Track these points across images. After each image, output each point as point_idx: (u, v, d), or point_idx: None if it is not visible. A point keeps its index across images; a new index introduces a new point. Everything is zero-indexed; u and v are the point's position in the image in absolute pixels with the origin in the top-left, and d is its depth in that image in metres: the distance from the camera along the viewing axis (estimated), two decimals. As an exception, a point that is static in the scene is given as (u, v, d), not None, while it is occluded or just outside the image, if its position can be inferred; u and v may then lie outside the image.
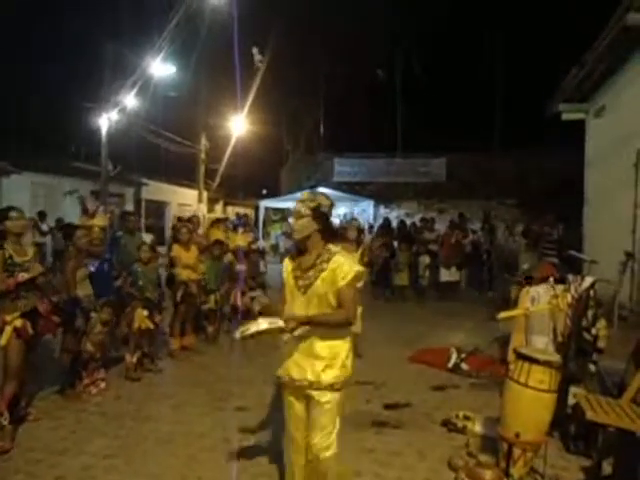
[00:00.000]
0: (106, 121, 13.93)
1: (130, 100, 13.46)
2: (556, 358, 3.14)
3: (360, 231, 6.38)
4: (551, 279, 4.64)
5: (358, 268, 2.65)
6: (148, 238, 6.95)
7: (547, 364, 3.00)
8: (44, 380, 4.61)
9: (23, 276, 3.55)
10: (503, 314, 4.31)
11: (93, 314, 4.57)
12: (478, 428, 3.89)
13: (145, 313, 5.12)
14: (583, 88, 8.82)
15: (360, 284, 2.77)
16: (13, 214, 3.61)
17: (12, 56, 17.23)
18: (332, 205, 2.65)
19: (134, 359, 5.07)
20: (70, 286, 4.33)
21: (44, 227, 11.33)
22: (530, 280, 5.12)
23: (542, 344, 4.24)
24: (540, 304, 4.47)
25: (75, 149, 17.08)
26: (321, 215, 2.57)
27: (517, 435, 2.99)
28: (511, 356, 4.54)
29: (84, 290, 4.48)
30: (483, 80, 19.57)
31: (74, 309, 4.33)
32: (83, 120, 14.59)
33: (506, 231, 10.88)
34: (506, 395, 3.15)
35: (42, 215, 11.59)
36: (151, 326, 5.17)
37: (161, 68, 13.32)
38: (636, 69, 7.79)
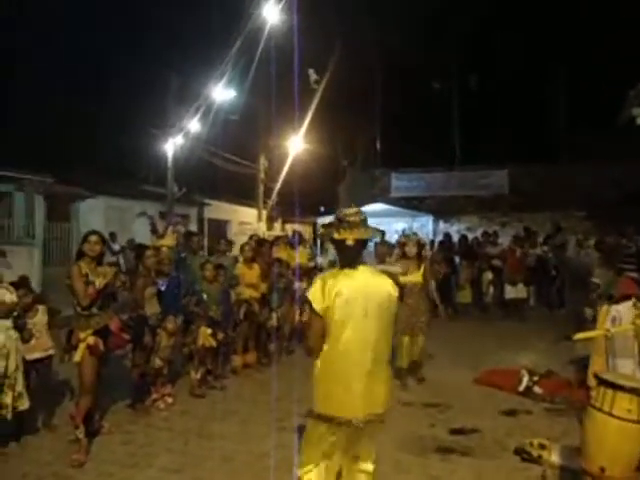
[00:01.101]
0: (172, 146, 14.67)
1: (193, 125, 14.10)
2: (645, 385, 2.85)
3: (421, 246, 6.19)
4: (634, 297, 4.30)
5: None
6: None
7: (634, 391, 2.73)
8: (117, 394, 4.81)
9: (100, 282, 3.72)
10: (580, 335, 3.99)
11: (160, 330, 4.74)
12: (555, 458, 3.61)
13: (209, 331, 5.24)
14: (660, 90, 8.19)
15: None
16: (92, 238, 3.83)
17: (86, 87, 18.72)
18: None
19: (198, 376, 5.19)
20: (139, 304, 4.53)
21: (115, 247, 12.01)
22: (610, 298, 4.76)
23: (627, 368, 3.90)
24: (623, 324, 4.13)
25: (144, 173, 18.11)
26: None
27: (602, 470, 2.73)
28: (592, 381, 4.22)
29: (152, 308, 4.66)
30: (545, 87, 18.78)
31: (143, 326, 4.51)
32: (150, 146, 15.46)
33: (577, 244, 10.22)
34: (588, 424, 2.89)
35: (113, 236, 12.29)
36: (214, 344, 5.28)
37: (222, 93, 13.90)
38: None
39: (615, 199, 13.27)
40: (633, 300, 4.25)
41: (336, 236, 2.56)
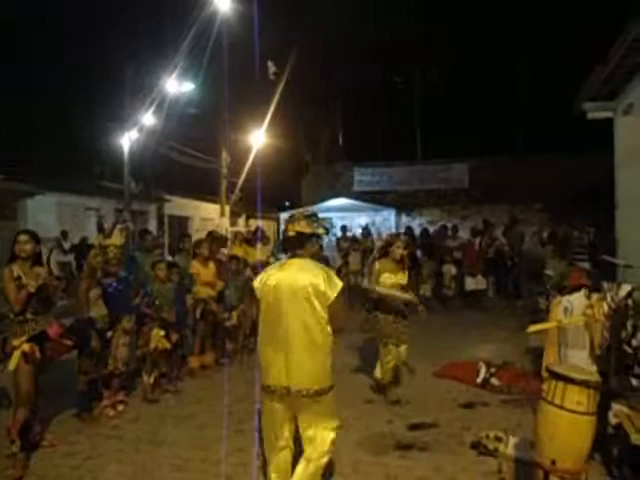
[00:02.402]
0: (127, 140, 14.15)
1: (150, 118, 13.64)
2: (594, 377, 2.88)
3: (408, 247, 5.55)
4: (585, 288, 4.38)
5: None
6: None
7: (584, 384, 2.74)
8: (62, 403, 4.55)
9: (32, 285, 3.48)
10: (533, 327, 4.04)
11: (109, 334, 4.51)
12: (511, 451, 3.63)
13: (162, 333, 5.04)
14: (609, 86, 8.43)
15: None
16: (21, 238, 3.57)
17: (35, 80, 17.80)
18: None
19: (151, 380, 4.98)
20: (83, 307, 4.28)
21: (67, 246, 11.50)
22: (562, 289, 4.85)
23: (579, 359, 3.96)
24: (574, 315, 4.19)
25: (99, 169, 17.43)
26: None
27: (553, 462, 2.73)
28: (544, 372, 4.28)
29: (98, 310, 4.42)
30: (503, 83, 19.19)
31: (88, 330, 4.27)
32: (106, 140, 14.88)
33: (534, 237, 10.49)
34: (540, 417, 2.89)
35: (65, 234, 11.78)
36: (168, 346, 5.08)
37: (179, 85, 13.49)
38: (666, 63, 7.42)
39: (568, 192, 13.69)
40: (584, 291, 4.33)
41: (287, 230, 3.02)
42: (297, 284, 2.84)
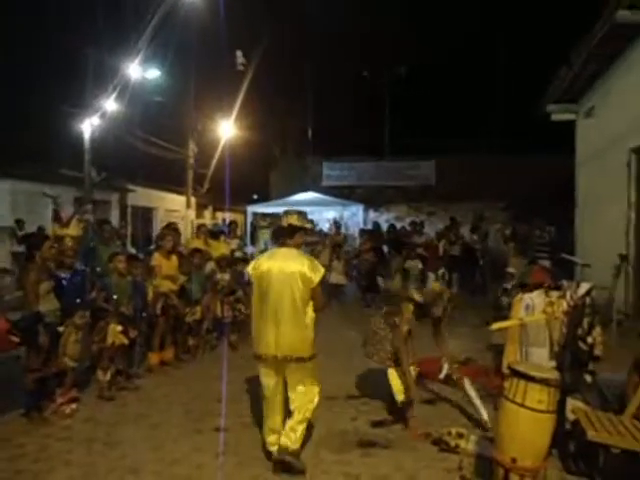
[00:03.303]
0: (89, 126, 13.59)
1: (112, 104, 13.13)
2: (554, 375, 2.90)
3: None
4: (545, 285, 4.45)
5: None
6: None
7: (545, 382, 2.76)
8: (7, 403, 4.29)
9: None
10: (496, 325, 4.09)
11: (61, 329, 4.28)
12: (472, 447, 3.65)
13: (119, 328, 4.83)
14: (572, 89, 8.68)
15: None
16: None
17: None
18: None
19: (107, 377, 4.77)
20: (31, 301, 4.03)
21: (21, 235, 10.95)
22: (524, 286, 4.92)
23: (539, 356, 4.03)
24: (535, 312, 4.26)
25: (58, 156, 16.68)
26: None
27: (514, 460, 2.75)
28: (505, 369, 4.33)
29: (49, 304, 4.18)
30: (472, 82, 19.51)
31: (37, 325, 4.03)
32: (65, 126, 14.23)
33: (498, 234, 10.70)
34: (501, 415, 2.91)
35: (20, 223, 11.22)
36: (125, 341, 4.88)
37: (144, 72, 13.02)
38: (624, 68, 7.67)
39: (531, 191, 14.05)
40: (545, 289, 4.40)
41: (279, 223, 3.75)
42: (286, 270, 3.36)
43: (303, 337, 3.38)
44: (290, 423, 3.39)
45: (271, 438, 3.48)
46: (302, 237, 3.59)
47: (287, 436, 3.35)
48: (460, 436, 3.85)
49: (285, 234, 3.54)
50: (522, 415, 2.74)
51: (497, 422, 2.94)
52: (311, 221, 3.87)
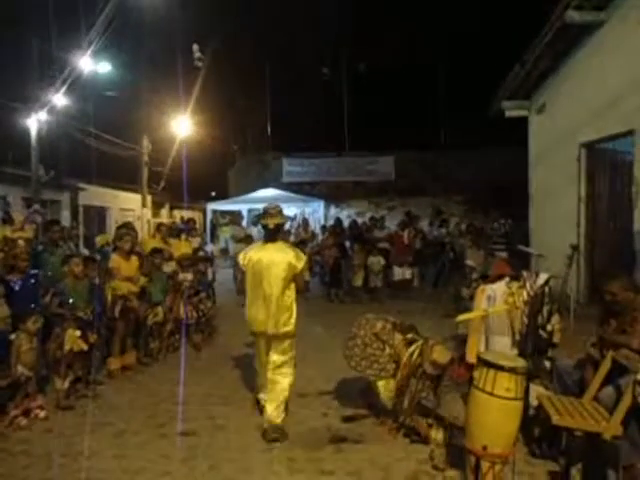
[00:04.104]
0: (35, 122, 12.91)
1: (60, 99, 12.54)
2: (521, 363, 2.98)
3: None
4: (506, 276, 4.58)
5: None
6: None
7: (513, 370, 2.83)
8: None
9: None
10: (462, 317, 4.17)
11: (13, 336, 4.04)
12: (441, 436, 3.72)
13: (77, 333, 4.60)
14: (525, 85, 8.99)
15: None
16: None
17: None
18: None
19: (65, 385, 4.54)
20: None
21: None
22: (485, 278, 5.05)
23: (502, 344, 4.14)
24: (497, 303, 4.37)
25: (2, 153, 15.77)
26: None
27: (485, 448, 2.81)
28: (470, 358, 4.43)
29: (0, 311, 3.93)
30: (428, 77, 19.86)
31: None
32: (8, 121, 13.45)
33: (456, 227, 10.97)
34: (471, 405, 2.96)
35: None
36: (85, 347, 4.65)
37: (94, 65, 12.50)
38: (574, 66, 8.02)
39: (489, 186, 14.50)
40: (506, 280, 4.53)
41: (262, 222, 4.16)
42: (275, 260, 3.95)
43: (288, 316, 4.01)
44: (272, 410, 3.91)
45: (262, 394, 4.22)
46: (284, 231, 4.42)
47: (272, 414, 3.90)
48: (429, 426, 3.92)
49: (272, 233, 4.08)
50: (492, 403, 2.80)
51: (467, 411, 2.99)
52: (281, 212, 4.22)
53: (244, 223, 13.90)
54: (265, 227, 4.13)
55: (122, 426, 4.13)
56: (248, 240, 10.02)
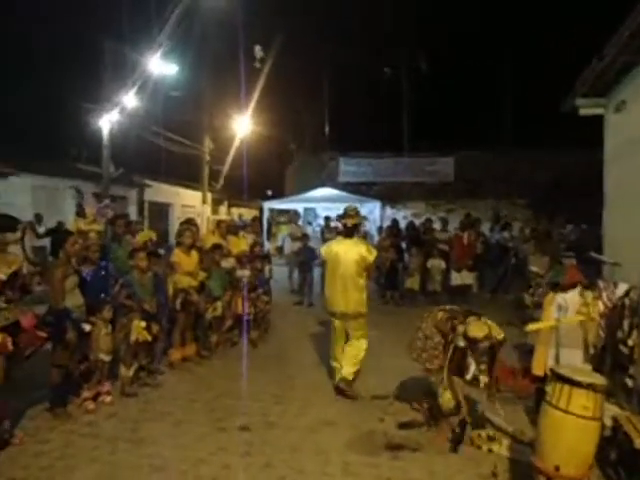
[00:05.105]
0: (107, 122, 13.63)
1: (131, 100, 13.15)
2: (600, 380, 2.76)
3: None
4: (579, 285, 4.29)
5: None
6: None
7: (591, 387, 2.63)
8: (37, 397, 4.28)
9: (5, 272, 3.22)
10: (531, 326, 3.95)
11: (85, 325, 4.24)
12: (506, 452, 3.53)
13: (143, 324, 4.78)
14: (602, 82, 8.38)
15: None
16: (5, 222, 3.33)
17: (9, 57, 16.98)
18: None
19: (130, 373, 4.74)
20: (58, 296, 4.00)
21: (41, 230, 11.01)
22: (555, 286, 4.76)
23: (573, 358, 3.88)
24: (569, 313, 4.11)
25: (77, 151, 16.80)
26: None
27: (557, 468, 2.62)
28: (537, 370, 4.19)
29: (74, 300, 4.14)
30: (492, 76, 19.16)
31: (63, 321, 3.99)
32: (84, 121, 14.29)
33: (521, 232, 10.47)
34: (543, 421, 2.78)
35: (39, 218, 11.28)
36: (149, 338, 4.83)
37: (162, 67, 13.02)
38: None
39: (555, 188, 13.75)
40: (579, 288, 4.24)
41: (342, 221, 4.96)
42: (350, 252, 4.74)
43: (361, 298, 4.77)
44: (346, 367, 4.71)
45: (335, 364, 4.91)
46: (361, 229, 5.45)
47: (345, 371, 4.71)
48: (491, 439, 3.74)
49: (352, 231, 4.87)
50: (566, 421, 2.61)
51: (538, 428, 2.81)
52: (360, 214, 5.14)
53: (300, 222, 13.97)
54: (344, 225, 4.88)
55: (182, 416, 4.24)
56: (304, 239, 10.07)
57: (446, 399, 3.87)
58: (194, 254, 5.85)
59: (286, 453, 3.63)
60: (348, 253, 4.73)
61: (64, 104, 15.90)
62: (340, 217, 5.01)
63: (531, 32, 17.49)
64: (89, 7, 16.73)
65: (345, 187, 17.65)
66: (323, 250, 5.03)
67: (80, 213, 6.66)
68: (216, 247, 6.30)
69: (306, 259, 9.68)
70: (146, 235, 6.34)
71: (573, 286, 4.31)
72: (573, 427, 2.59)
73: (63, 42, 17.17)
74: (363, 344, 4.80)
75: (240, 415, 4.28)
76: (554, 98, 10.11)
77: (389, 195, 17.78)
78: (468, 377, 5.23)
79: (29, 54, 17.55)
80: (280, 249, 17.34)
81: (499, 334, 3.75)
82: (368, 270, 4.82)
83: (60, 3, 17.22)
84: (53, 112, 16.66)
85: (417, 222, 13.08)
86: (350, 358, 4.73)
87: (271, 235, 18.36)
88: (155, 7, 12.49)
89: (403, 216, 16.35)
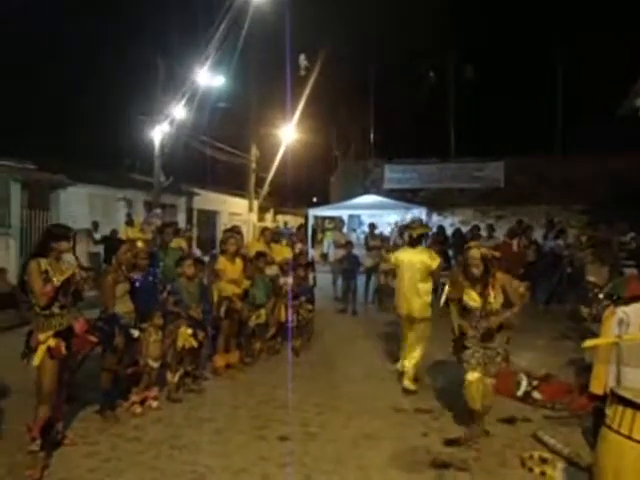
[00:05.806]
0: (159, 133, 14.17)
1: (181, 111, 13.63)
2: (668, 404, 2.53)
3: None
4: (643, 298, 3.98)
5: None
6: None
7: (657, 412, 2.40)
8: (86, 400, 4.44)
9: (59, 279, 3.36)
10: (589, 342, 3.69)
11: (133, 331, 4.36)
12: (560, 475, 3.31)
13: (189, 331, 4.87)
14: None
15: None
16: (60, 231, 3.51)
17: (68, 74, 18.03)
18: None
19: (176, 379, 4.83)
20: (109, 302, 4.14)
21: (97, 237, 11.57)
22: (616, 299, 4.45)
23: (637, 378, 3.58)
24: (631, 329, 3.81)
25: (130, 161, 17.57)
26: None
27: (619, 499, 2.41)
28: (596, 389, 3.92)
29: (124, 306, 4.28)
30: (542, 79, 18.44)
31: (113, 326, 4.13)
32: (137, 133, 14.94)
33: (577, 240, 9.94)
34: (602, 445, 2.57)
35: (96, 225, 11.87)
36: (195, 345, 4.92)
37: (210, 78, 13.41)
38: None
39: (613, 194, 13.01)
40: (642, 302, 3.94)
41: (408, 232, 5.56)
42: (415, 259, 5.15)
43: (425, 303, 5.12)
44: (409, 365, 5.16)
45: (403, 361, 5.29)
46: (424, 239, 5.78)
47: (409, 368, 5.15)
48: (544, 461, 3.53)
49: (415, 240, 5.32)
50: (629, 448, 2.40)
51: (598, 454, 2.60)
52: (426, 225, 5.94)
53: (345, 229, 13.92)
54: (410, 236, 5.40)
55: (224, 424, 4.27)
56: (348, 247, 9.98)
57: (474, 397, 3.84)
58: (238, 262, 5.91)
59: (327, 466, 3.56)
60: (413, 260, 5.14)
61: (119, 116, 16.69)
62: (405, 228, 5.66)
63: (583, 32, 16.72)
64: (146, 28, 17.53)
65: (390, 194, 17.45)
66: (392, 258, 5.56)
67: (129, 222, 6.90)
68: (260, 255, 6.35)
69: (350, 266, 9.59)
70: (176, 243, 6.47)
71: (635, 299, 4.01)
72: (636, 454, 2.38)
73: (117, 57, 18.09)
74: (420, 351, 5.16)
75: (281, 424, 4.26)
76: (609, 100, 9.59)
77: (435, 201, 17.42)
78: (519, 393, 5.02)
79: (86, 70, 18.56)
80: (325, 255, 17.34)
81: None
82: (433, 276, 5.14)
83: (116, 22, 18.16)
84: (109, 124, 17.52)
85: (464, 229, 12.72)
86: (411, 360, 5.16)
87: (316, 242, 18.42)
88: (202, 23, 12.92)
89: (450, 223, 15.96)
